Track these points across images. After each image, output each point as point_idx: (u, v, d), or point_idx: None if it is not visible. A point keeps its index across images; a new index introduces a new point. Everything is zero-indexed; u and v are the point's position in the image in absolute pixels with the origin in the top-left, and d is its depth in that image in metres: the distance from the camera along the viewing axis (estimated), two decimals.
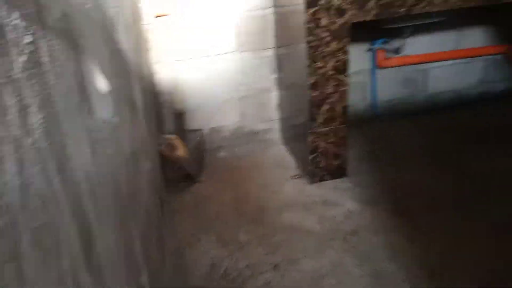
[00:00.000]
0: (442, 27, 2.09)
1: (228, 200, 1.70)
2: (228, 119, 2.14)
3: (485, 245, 1.27)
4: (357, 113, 2.22)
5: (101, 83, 0.84)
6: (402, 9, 1.54)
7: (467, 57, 2.19)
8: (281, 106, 2.12)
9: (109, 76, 0.94)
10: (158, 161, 1.77)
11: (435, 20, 1.85)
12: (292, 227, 1.48)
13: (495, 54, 2.20)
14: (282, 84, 2.04)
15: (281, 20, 1.87)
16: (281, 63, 2.00)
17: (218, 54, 2.00)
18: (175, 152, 1.84)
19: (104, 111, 0.88)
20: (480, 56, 2.20)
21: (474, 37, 2.17)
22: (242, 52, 2.02)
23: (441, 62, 2.19)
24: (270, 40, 2.02)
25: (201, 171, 1.96)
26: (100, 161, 0.80)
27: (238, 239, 1.44)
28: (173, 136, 1.90)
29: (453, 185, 1.61)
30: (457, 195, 1.54)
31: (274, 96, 2.13)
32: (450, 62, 2.20)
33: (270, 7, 1.96)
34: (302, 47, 1.58)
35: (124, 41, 1.22)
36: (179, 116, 2.04)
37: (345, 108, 1.65)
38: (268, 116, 2.17)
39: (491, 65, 2.26)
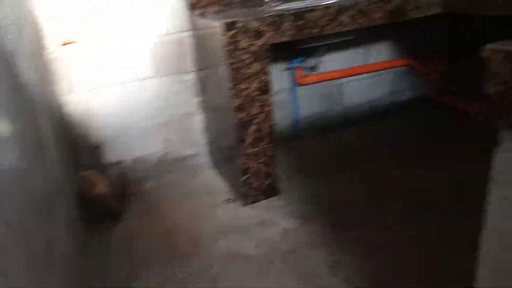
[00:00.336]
0: (352, 44, 2.24)
1: (159, 234, 1.59)
2: (151, 147, 2.03)
3: (421, 256, 1.33)
4: (281, 131, 2.26)
5: (1, 125, 0.73)
6: (315, 30, 1.60)
7: (376, 71, 2.36)
8: (207, 129, 2.07)
9: (10, 116, 0.82)
10: (77, 201, 1.61)
11: (346, 38, 1.97)
12: (230, 254, 1.43)
13: (401, 66, 2.40)
14: (206, 107, 2.00)
15: (200, 43, 1.84)
16: (203, 86, 1.96)
17: (135, 80, 1.90)
18: (95, 189, 1.69)
19: (7, 157, 0.76)
20: (388, 68, 2.39)
21: (381, 52, 2.36)
22: (161, 77, 1.94)
23: (354, 76, 2.33)
24: (190, 64, 1.98)
25: (126, 206, 1.82)
26: (6, 214, 0.69)
27: (175, 278, 1.35)
28: (91, 172, 1.75)
29: (377, 196, 1.69)
30: (383, 207, 1.61)
31: (199, 120, 2.08)
32: (362, 76, 2.36)
33: (186, 31, 1.92)
34: (223, 69, 1.56)
35: (27, 75, 1.09)
36: (96, 149, 1.88)
37: (271, 127, 1.66)
38: (194, 140, 2.11)
39: (398, 76, 2.47)
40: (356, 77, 2.34)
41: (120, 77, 1.86)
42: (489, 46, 0.56)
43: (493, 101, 0.57)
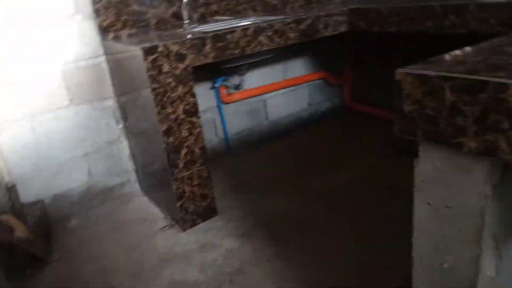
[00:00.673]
0: (272, 61, 2.34)
1: (94, 275, 1.48)
2: (74, 181, 1.89)
3: (363, 257, 1.42)
4: (212, 150, 2.26)
5: None
6: (237, 51, 1.65)
7: (295, 85, 2.49)
8: (135, 155, 2.00)
9: None
10: None
11: (266, 56, 2.05)
12: (175, 284, 1.38)
13: (317, 79, 2.57)
14: (132, 132, 1.93)
15: (119, 67, 1.78)
16: (125, 111, 1.89)
17: (49, 110, 1.77)
18: (12, 234, 1.53)
19: None
20: (306, 82, 2.53)
21: (298, 67, 2.49)
22: (77, 105, 1.84)
23: (276, 91, 2.43)
24: (109, 89, 1.90)
25: (50, 248, 1.67)
26: None
27: None
28: (6, 216, 1.57)
29: (312, 205, 1.77)
30: (319, 215, 1.69)
31: (124, 146, 2.00)
32: (282, 91, 2.47)
33: (102, 55, 1.84)
34: (146, 93, 1.52)
35: None
36: (10, 190, 1.70)
37: (203, 148, 1.66)
38: (122, 168, 2.02)
39: (315, 89, 2.63)
40: (278, 92, 2.45)
41: (28, 109, 1.72)
42: (401, 70, 0.64)
43: (409, 118, 0.64)
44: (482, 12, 1.39)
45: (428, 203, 0.66)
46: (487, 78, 0.52)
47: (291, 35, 1.78)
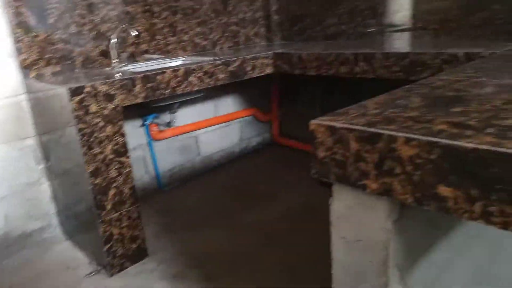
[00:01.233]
0: (203, 99, 2.40)
1: None
2: None
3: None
4: (143, 188, 2.22)
5: None
6: (167, 91, 1.68)
7: (226, 121, 2.56)
8: (57, 197, 1.89)
9: None
10: None
11: (197, 95, 2.11)
12: None
13: (247, 116, 2.67)
14: (54, 173, 1.83)
15: (41, 106, 1.71)
16: (48, 151, 1.80)
17: None
18: None
19: None
20: (237, 119, 2.62)
21: (229, 104, 2.58)
22: None
23: (207, 128, 2.48)
24: (29, 128, 1.80)
25: None
26: None
27: None
28: None
29: (242, 241, 1.80)
30: (249, 251, 1.73)
31: (46, 188, 1.88)
32: (214, 127, 2.52)
33: (23, 94, 1.76)
34: (71, 132, 1.48)
35: None
36: None
37: (132, 188, 1.63)
38: (42, 211, 1.89)
39: (246, 125, 2.73)
40: (209, 128, 2.50)
41: None
42: (313, 121, 0.72)
43: (323, 163, 0.72)
44: (386, 60, 1.59)
45: (343, 238, 0.73)
46: (381, 131, 0.61)
47: (221, 76, 1.86)
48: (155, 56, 2.13)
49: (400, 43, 1.97)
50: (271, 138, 2.88)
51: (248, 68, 1.96)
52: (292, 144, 2.74)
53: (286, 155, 2.71)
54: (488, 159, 0.50)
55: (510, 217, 0.50)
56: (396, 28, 2.06)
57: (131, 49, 2.07)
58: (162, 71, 1.65)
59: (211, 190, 2.30)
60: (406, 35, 2.04)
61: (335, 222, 0.75)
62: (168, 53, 2.22)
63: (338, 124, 0.67)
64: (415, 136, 0.57)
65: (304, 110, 2.64)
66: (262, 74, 2.02)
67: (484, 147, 0.50)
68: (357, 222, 0.72)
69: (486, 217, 0.53)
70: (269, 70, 2.04)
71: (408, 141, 0.57)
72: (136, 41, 2.08)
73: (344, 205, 0.73)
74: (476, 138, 0.53)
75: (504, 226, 0.51)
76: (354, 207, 0.71)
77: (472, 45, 1.54)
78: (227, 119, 2.54)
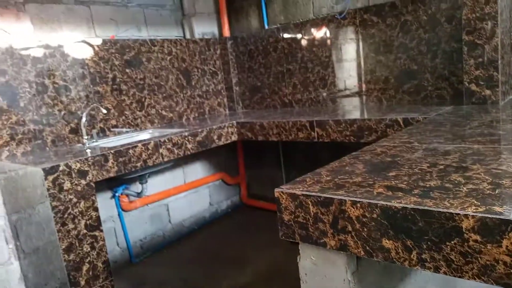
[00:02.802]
0: (172, 167, 2.49)
1: None
2: None
3: None
4: (114, 260, 2.20)
5: None
6: (138, 164, 1.77)
7: (196, 187, 2.65)
8: (27, 276, 1.84)
9: None
10: None
11: (167, 165, 2.20)
12: None
13: (216, 180, 2.77)
14: (24, 252, 1.80)
15: (11, 185, 1.73)
16: (18, 229, 1.79)
17: None
18: None
19: None
20: (206, 184, 2.71)
21: (198, 170, 2.68)
22: None
23: (177, 195, 2.54)
24: (0, 209, 1.80)
25: None
26: None
27: None
28: None
29: None
30: None
31: (15, 268, 1.83)
32: (184, 193, 2.59)
33: None
34: (43, 209, 1.51)
35: None
36: None
37: (106, 262, 1.64)
38: None
39: (215, 189, 2.81)
40: (180, 195, 2.56)
41: None
42: (278, 189, 0.84)
43: (288, 225, 0.83)
44: (338, 126, 1.79)
45: None
46: (332, 196, 0.74)
47: (189, 146, 1.98)
48: (124, 130, 2.23)
49: (349, 109, 2.20)
50: (240, 200, 2.97)
51: (215, 137, 2.10)
52: (260, 205, 2.83)
53: (255, 217, 2.78)
54: (415, 215, 0.63)
55: (439, 262, 0.63)
56: (344, 94, 2.31)
57: (100, 125, 2.17)
58: (134, 145, 1.75)
59: (183, 258, 2.31)
60: (353, 101, 2.29)
61: (303, 277, 0.85)
62: (136, 126, 2.33)
63: (297, 191, 0.80)
64: (359, 199, 0.70)
65: (270, 171, 2.78)
66: (228, 142, 2.16)
67: (410, 206, 0.64)
68: (322, 276, 0.82)
69: (421, 263, 0.65)
70: (234, 137, 2.20)
71: (354, 203, 0.70)
72: (106, 117, 2.18)
73: (310, 261, 0.83)
74: (405, 199, 0.67)
75: (436, 269, 0.64)
76: (319, 263, 0.82)
77: (409, 110, 1.78)
78: (196, 184, 2.63)
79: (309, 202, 0.78)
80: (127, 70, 2.27)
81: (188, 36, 2.68)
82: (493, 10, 1.54)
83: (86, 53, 2.08)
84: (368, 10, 2.11)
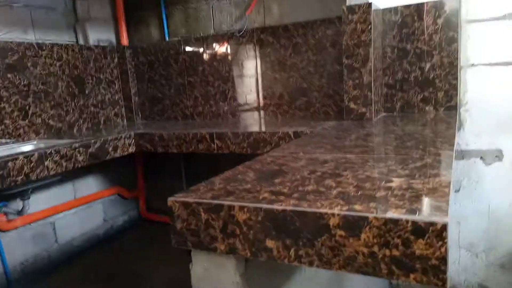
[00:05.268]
0: (60, 182, 2.29)
1: None
2: None
3: None
4: None
5: None
6: (19, 178, 1.61)
7: (87, 203, 2.47)
8: None
9: None
10: None
11: (54, 179, 2.03)
12: None
13: (112, 194, 2.63)
14: None
15: None
16: None
17: None
18: None
19: None
20: (99, 199, 2.55)
21: (90, 185, 2.51)
22: None
23: (66, 212, 2.35)
24: None
25: None
26: None
27: None
28: None
29: None
30: None
31: None
32: (74, 210, 2.40)
33: None
34: None
35: None
36: None
37: None
38: None
39: (110, 204, 2.66)
40: (69, 211, 2.37)
41: None
42: (171, 198, 0.85)
43: (181, 233, 0.85)
44: (236, 138, 1.86)
45: None
46: (222, 202, 0.78)
47: (80, 158, 1.86)
48: (3, 140, 2.00)
49: (249, 122, 2.30)
50: (138, 215, 2.86)
51: (110, 149, 2.01)
52: (160, 219, 2.77)
53: (154, 231, 2.71)
54: (293, 216, 0.70)
55: (312, 256, 0.71)
56: (243, 109, 2.42)
57: None
58: (14, 157, 1.58)
59: (72, 282, 2.13)
60: (254, 115, 2.40)
61: (196, 284, 0.87)
62: (19, 136, 2.11)
63: (190, 199, 0.82)
64: (246, 204, 0.75)
65: (171, 183, 2.74)
66: (125, 154, 2.08)
67: (289, 208, 0.71)
68: (213, 281, 0.85)
69: (298, 259, 0.72)
70: (131, 149, 2.12)
71: (241, 208, 0.75)
72: None
73: (201, 267, 0.86)
74: (285, 202, 0.74)
75: (310, 264, 0.71)
76: (210, 268, 0.85)
77: (300, 124, 1.94)
78: (88, 200, 2.46)
79: (201, 209, 0.81)
80: (9, 75, 2.05)
81: (81, 42, 2.53)
82: (368, 38, 1.77)
83: None
84: (264, 31, 2.25)
